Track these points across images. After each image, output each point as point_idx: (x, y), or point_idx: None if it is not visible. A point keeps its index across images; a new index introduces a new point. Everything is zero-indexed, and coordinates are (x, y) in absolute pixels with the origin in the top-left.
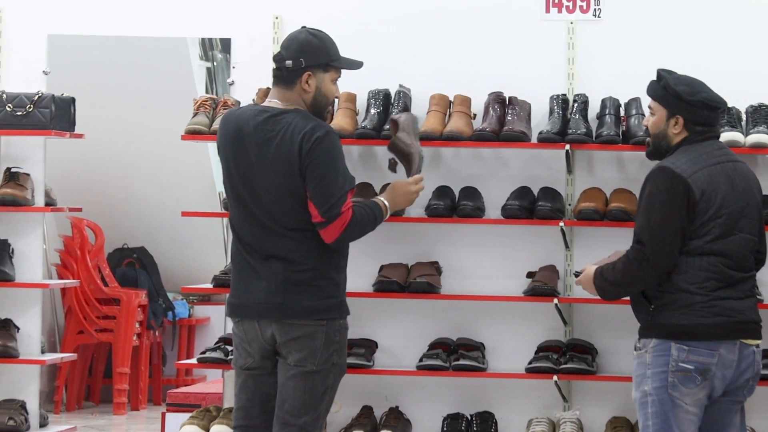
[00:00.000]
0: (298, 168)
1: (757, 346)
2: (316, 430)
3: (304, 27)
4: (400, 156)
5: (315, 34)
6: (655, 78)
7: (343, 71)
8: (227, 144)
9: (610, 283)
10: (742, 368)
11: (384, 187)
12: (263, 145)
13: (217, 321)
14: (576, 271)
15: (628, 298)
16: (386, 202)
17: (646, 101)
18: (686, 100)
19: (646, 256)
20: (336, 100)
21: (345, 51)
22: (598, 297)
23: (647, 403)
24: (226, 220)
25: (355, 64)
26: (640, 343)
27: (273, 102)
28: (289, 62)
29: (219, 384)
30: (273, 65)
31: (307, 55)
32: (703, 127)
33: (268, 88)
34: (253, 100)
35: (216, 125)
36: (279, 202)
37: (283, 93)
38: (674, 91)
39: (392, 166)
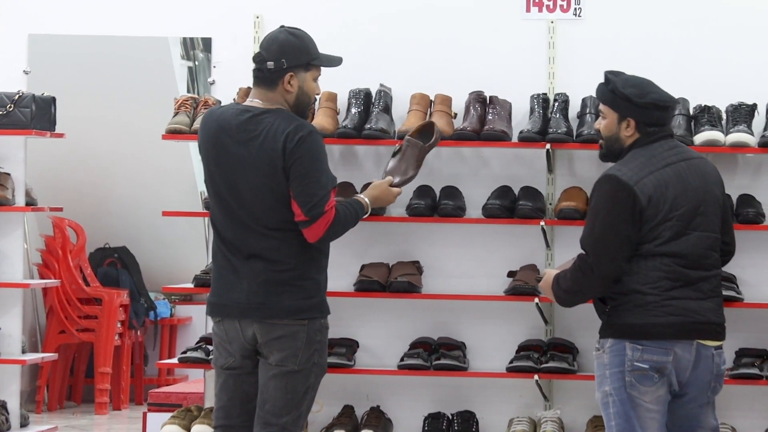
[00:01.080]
0: (281, 167)
1: (719, 347)
2: (297, 429)
3: (282, 26)
4: (407, 160)
5: (295, 34)
6: (602, 81)
7: (324, 69)
8: (208, 143)
9: (563, 291)
10: (700, 369)
11: (365, 186)
12: (245, 144)
13: (198, 321)
14: (537, 276)
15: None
16: (367, 200)
17: None
18: (636, 103)
19: (589, 264)
20: (317, 99)
21: (326, 50)
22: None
23: (608, 403)
24: (207, 219)
25: (336, 61)
26: (599, 344)
27: (255, 102)
28: (270, 63)
29: (200, 384)
30: (253, 66)
31: (289, 56)
32: (655, 128)
33: (249, 88)
34: (234, 99)
35: (197, 124)
36: (261, 201)
37: (265, 93)
38: (623, 95)
39: (395, 153)
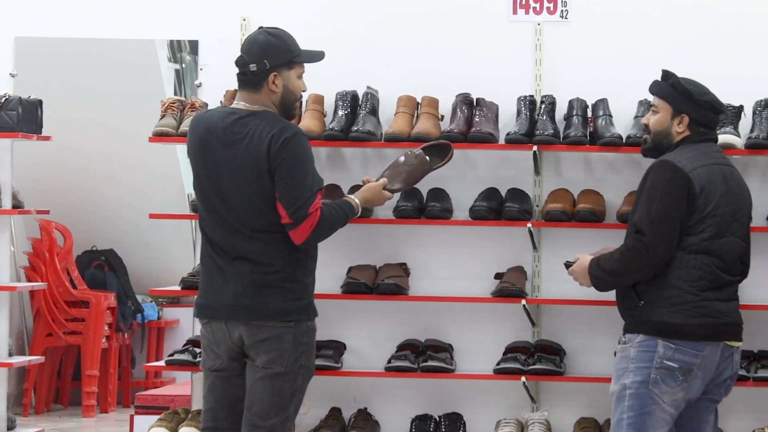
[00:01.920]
0: (266, 170)
1: (738, 347)
2: (284, 431)
3: (261, 27)
4: (410, 170)
5: (274, 34)
6: (655, 78)
7: (311, 70)
8: (196, 146)
9: (607, 273)
10: (721, 368)
11: (353, 189)
12: (231, 146)
13: (185, 323)
14: (567, 261)
15: (603, 298)
16: (358, 201)
17: (613, 102)
18: (695, 100)
19: (645, 245)
20: (303, 100)
21: None
22: (592, 287)
23: (625, 396)
24: (194, 222)
25: (317, 56)
26: (625, 338)
27: (240, 104)
28: (253, 66)
29: (187, 386)
30: (237, 68)
31: (270, 56)
32: (705, 129)
33: (236, 90)
34: (221, 102)
35: (184, 127)
36: (247, 203)
37: (251, 96)
38: (684, 90)
39: (403, 156)
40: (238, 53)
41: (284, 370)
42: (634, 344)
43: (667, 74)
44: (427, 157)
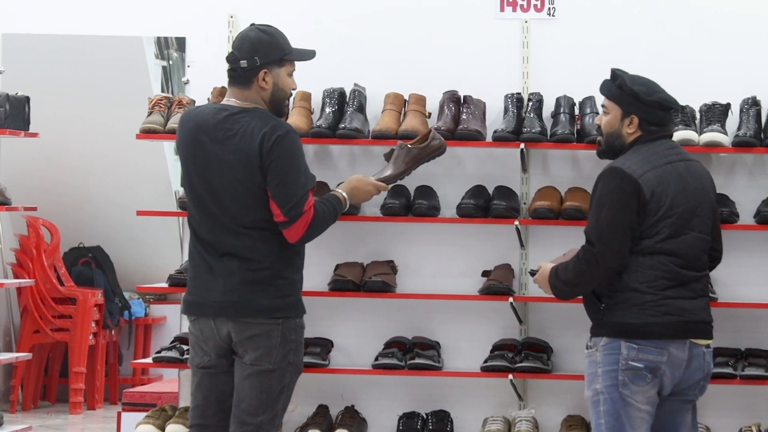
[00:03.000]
0: (258, 167)
1: (708, 346)
2: (272, 429)
3: (253, 24)
4: (395, 162)
5: (265, 31)
6: (608, 77)
7: (299, 67)
8: (186, 142)
9: (563, 283)
10: (692, 368)
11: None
12: (222, 143)
13: (173, 320)
14: (532, 270)
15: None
16: (345, 195)
17: (600, 100)
18: (643, 100)
19: (595, 255)
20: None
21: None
22: (554, 296)
23: (599, 401)
24: (182, 219)
25: (308, 54)
26: (591, 342)
27: (231, 101)
28: (243, 62)
29: (175, 383)
30: (227, 66)
31: (261, 53)
32: (657, 127)
33: (224, 87)
34: (208, 99)
35: (171, 124)
36: (238, 200)
37: (241, 92)
38: (631, 91)
39: (388, 155)
40: (226, 50)
41: (272, 367)
42: (599, 347)
43: (614, 74)
44: (408, 145)
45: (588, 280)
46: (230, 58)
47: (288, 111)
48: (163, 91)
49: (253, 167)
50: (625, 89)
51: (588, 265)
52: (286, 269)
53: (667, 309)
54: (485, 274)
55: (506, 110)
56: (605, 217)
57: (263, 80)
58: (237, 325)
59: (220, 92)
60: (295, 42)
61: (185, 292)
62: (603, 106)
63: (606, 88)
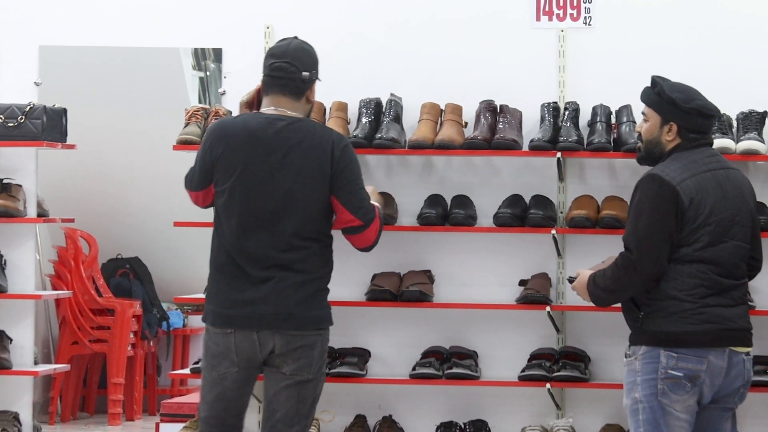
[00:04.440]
0: (329, 175)
1: (747, 353)
2: None
3: (296, 37)
4: None
5: (311, 46)
6: (648, 84)
7: (335, 73)
8: (237, 151)
9: (601, 290)
10: (731, 376)
11: None
12: (286, 153)
13: None
14: (570, 277)
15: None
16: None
17: (637, 108)
18: (681, 108)
19: (633, 262)
20: (327, 107)
21: (336, 60)
22: (592, 303)
23: (638, 410)
24: None
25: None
26: (630, 351)
27: (281, 111)
28: (306, 74)
29: None
30: (278, 73)
31: (317, 68)
32: (697, 135)
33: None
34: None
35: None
36: (304, 210)
37: (292, 103)
38: (669, 98)
39: None
40: (262, 61)
41: (311, 377)
42: (638, 356)
43: (654, 81)
44: None
45: (626, 287)
46: (287, 68)
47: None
48: (200, 102)
49: (324, 175)
50: (663, 96)
51: (626, 272)
52: (327, 280)
53: (706, 317)
54: (522, 283)
55: (542, 119)
56: (644, 224)
57: (312, 94)
58: (284, 338)
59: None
60: (332, 52)
61: (214, 304)
62: (643, 113)
63: (645, 96)
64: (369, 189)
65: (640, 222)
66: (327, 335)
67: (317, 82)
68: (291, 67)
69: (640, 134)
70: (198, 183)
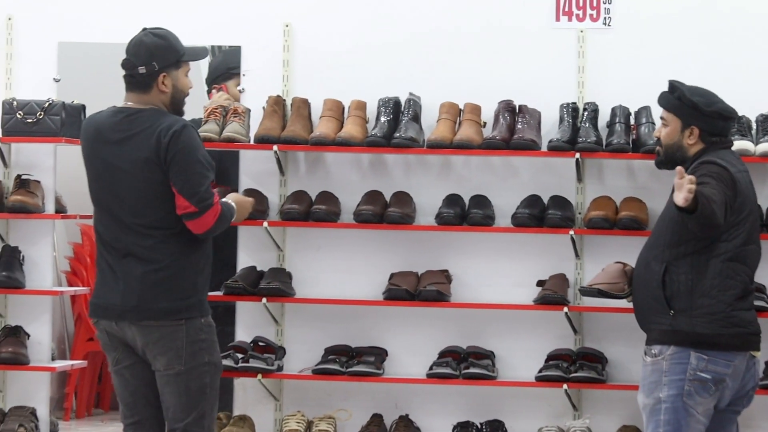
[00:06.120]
0: (157, 164)
1: (758, 357)
2: (202, 429)
3: (145, 29)
4: None
5: (160, 35)
6: (666, 88)
7: (354, 78)
8: (88, 146)
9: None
10: (746, 379)
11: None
12: (121, 143)
13: None
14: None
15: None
16: (233, 204)
17: (657, 109)
18: (703, 111)
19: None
20: (346, 105)
21: (355, 59)
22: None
23: (660, 410)
24: (238, 227)
25: (202, 53)
26: (655, 350)
27: (128, 104)
28: (142, 68)
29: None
30: (124, 69)
31: (159, 58)
32: (717, 138)
33: (278, 96)
34: (264, 108)
35: (227, 132)
36: (140, 199)
37: (139, 96)
38: (690, 102)
39: None
40: (281, 59)
41: (184, 368)
42: (666, 357)
43: (672, 86)
44: None
45: (711, 213)
46: (126, 65)
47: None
48: None
49: (152, 165)
50: (684, 101)
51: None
52: (186, 270)
53: (736, 320)
54: (540, 283)
55: (561, 120)
56: (711, 189)
57: (163, 84)
58: (140, 329)
59: (276, 101)
60: (350, 50)
61: (92, 295)
62: (662, 118)
63: (664, 100)
64: (232, 196)
65: (707, 188)
66: (196, 324)
67: (180, 68)
68: (129, 62)
69: (658, 139)
70: None
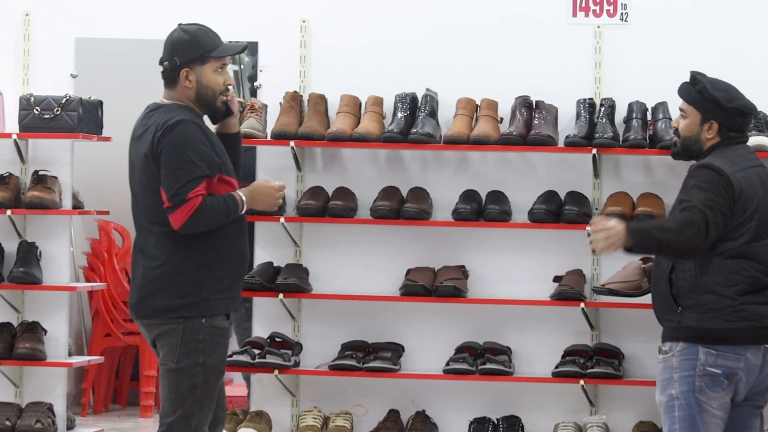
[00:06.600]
0: (152, 159)
1: None
2: (186, 429)
3: (179, 24)
4: None
5: (186, 30)
6: (687, 80)
7: (371, 73)
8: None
9: (662, 230)
10: (765, 373)
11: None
12: (138, 139)
13: None
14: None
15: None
16: (243, 197)
17: (674, 105)
18: (723, 107)
19: (702, 213)
20: (363, 101)
21: (372, 55)
22: (624, 252)
23: (674, 407)
24: (255, 222)
25: (234, 49)
26: (666, 347)
27: (160, 100)
28: (165, 63)
29: (245, 387)
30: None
31: (179, 53)
32: (735, 133)
33: (295, 92)
34: (280, 103)
35: (244, 129)
36: (144, 195)
37: (168, 92)
38: (712, 97)
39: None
40: (299, 55)
41: (176, 366)
42: (675, 353)
43: (694, 78)
44: None
45: (690, 237)
46: (159, 61)
47: (224, 107)
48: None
49: (150, 159)
50: (705, 95)
51: (692, 224)
52: (183, 268)
53: (745, 314)
54: (557, 279)
55: (578, 115)
56: (705, 198)
57: (186, 79)
58: (144, 326)
59: (293, 96)
60: (367, 46)
61: None
62: (681, 109)
63: (685, 92)
64: (256, 182)
65: (701, 195)
66: (195, 324)
67: (205, 65)
68: (160, 58)
69: (676, 129)
70: None
